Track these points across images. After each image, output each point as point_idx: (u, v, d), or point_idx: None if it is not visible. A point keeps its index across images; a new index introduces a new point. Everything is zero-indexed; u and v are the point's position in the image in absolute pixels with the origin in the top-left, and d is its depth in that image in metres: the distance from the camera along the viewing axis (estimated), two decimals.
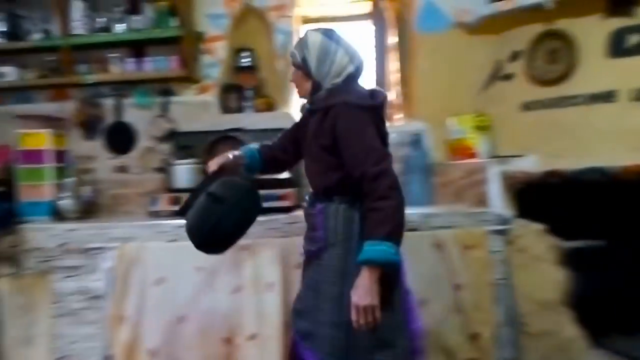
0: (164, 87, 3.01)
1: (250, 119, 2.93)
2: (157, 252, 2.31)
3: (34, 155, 2.55)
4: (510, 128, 2.68)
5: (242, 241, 2.27)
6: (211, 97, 3.04)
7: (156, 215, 2.60)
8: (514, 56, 2.74)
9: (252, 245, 2.28)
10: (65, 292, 2.26)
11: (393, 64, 3.16)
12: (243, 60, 2.98)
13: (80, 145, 2.98)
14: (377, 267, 1.38)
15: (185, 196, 2.54)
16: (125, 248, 2.31)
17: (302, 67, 1.60)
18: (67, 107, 2.98)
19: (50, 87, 3.01)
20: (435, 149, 2.84)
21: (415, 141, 2.80)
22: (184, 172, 2.66)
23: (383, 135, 1.56)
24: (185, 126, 2.97)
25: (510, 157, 2.48)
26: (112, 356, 2.24)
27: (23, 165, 2.54)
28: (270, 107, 3.00)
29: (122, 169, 3.01)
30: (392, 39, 3.14)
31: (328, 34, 1.58)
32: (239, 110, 3.00)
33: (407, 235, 2.19)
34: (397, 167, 2.82)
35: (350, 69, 1.57)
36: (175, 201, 2.56)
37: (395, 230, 1.40)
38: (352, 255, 1.48)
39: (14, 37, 2.87)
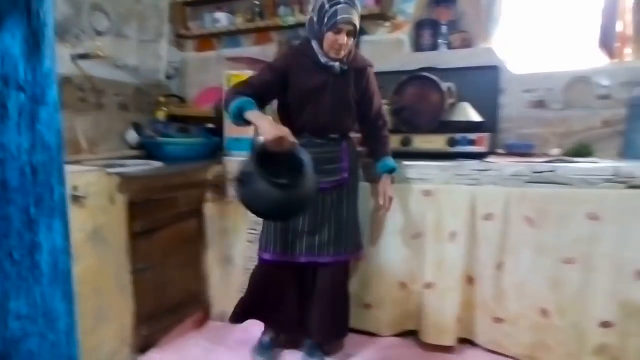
0: None
1: (445, 57, 2.71)
2: None
3: None
4: None
5: (426, 186, 2.18)
6: (404, 34, 2.89)
7: None
8: None
9: (437, 192, 2.15)
10: (258, 220, 2.46)
11: None
12: None
13: None
14: (394, 172, 2.11)
15: None
16: None
17: (356, 35, 1.89)
18: (269, 50, 3.16)
19: (255, 31, 3.21)
20: None
21: None
22: None
23: None
24: (375, 66, 2.89)
25: None
26: None
27: None
28: (468, 43, 2.72)
29: None
30: None
31: None
32: (433, 47, 2.80)
33: (627, 194, 1.83)
34: (619, 112, 2.36)
35: None
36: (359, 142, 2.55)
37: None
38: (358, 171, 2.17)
39: None
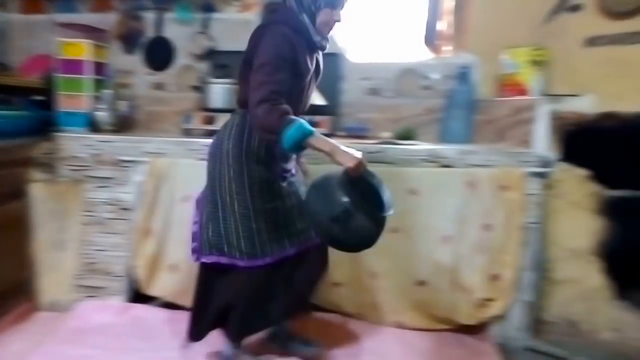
0: (206, 2, 2.91)
1: None
2: (187, 169, 2.31)
3: (73, 65, 2.55)
4: (570, 65, 2.42)
5: None
6: (253, 15, 2.92)
7: (189, 133, 2.60)
8: None
9: None
10: (96, 202, 2.34)
11: None
12: None
13: (120, 59, 2.97)
14: None
15: (220, 116, 2.49)
16: (156, 163, 2.33)
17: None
18: (108, 19, 2.94)
19: None
20: (483, 85, 2.66)
21: (462, 75, 2.62)
22: (220, 92, 2.62)
23: None
24: (224, 44, 2.89)
25: (565, 97, 2.26)
26: (135, 267, 2.33)
27: (62, 74, 2.55)
28: None
29: (158, 86, 3.00)
30: None
31: None
32: None
33: (438, 171, 2.12)
34: (439, 102, 2.70)
35: None
36: (209, 120, 2.55)
37: None
38: None
39: None
